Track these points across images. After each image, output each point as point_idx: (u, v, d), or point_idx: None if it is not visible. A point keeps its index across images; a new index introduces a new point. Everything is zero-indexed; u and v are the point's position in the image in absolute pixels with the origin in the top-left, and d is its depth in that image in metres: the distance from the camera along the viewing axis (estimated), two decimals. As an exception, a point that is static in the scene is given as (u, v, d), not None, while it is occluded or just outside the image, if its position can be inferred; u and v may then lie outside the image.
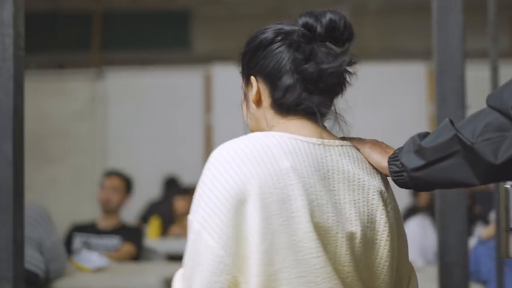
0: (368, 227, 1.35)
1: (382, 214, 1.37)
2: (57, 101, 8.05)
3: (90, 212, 7.20)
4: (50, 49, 8.26)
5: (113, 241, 4.21)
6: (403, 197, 6.48)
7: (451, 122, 1.35)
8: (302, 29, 1.37)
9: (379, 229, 1.36)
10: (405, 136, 1.53)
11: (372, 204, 1.36)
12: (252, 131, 1.43)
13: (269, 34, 1.40)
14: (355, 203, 1.35)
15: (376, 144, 1.44)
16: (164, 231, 5.87)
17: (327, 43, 1.36)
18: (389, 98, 7.50)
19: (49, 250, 3.16)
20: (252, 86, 1.41)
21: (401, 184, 1.39)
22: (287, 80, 1.36)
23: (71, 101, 8.02)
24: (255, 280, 1.24)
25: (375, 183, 1.39)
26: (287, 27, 1.39)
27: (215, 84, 7.76)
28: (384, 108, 7.57)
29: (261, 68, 1.39)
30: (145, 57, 8.07)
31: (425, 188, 1.41)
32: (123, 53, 8.20)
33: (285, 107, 1.39)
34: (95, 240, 4.20)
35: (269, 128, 1.40)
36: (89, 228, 4.35)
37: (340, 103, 1.42)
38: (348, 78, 1.42)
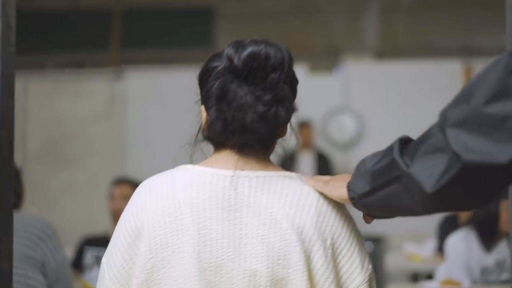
0: (280, 264, 1.28)
1: (298, 251, 1.28)
2: (74, 102, 7.79)
3: (108, 220, 6.92)
4: (68, 48, 7.98)
5: None
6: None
7: (400, 141, 1.26)
8: (226, 61, 1.35)
9: (294, 267, 1.27)
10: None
11: (286, 240, 1.28)
12: None
13: (208, 63, 1.39)
14: (263, 238, 1.28)
15: (336, 178, 1.36)
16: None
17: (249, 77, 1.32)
18: (422, 98, 7.08)
19: (54, 271, 2.80)
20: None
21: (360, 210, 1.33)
22: (212, 114, 1.37)
23: (89, 102, 7.76)
24: None
25: (298, 218, 1.30)
26: (219, 59, 1.37)
27: None
28: (417, 108, 7.12)
29: (202, 98, 1.43)
30: (167, 56, 7.75)
31: (380, 215, 1.32)
32: (143, 52, 7.89)
33: (211, 141, 1.42)
34: None
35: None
36: (102, 241, 3.91)
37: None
38: (283, 111, 1.35)
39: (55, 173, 7.68)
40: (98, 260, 3.81)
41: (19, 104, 7.62)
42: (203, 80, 1.41)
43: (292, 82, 1.39)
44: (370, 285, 1.36)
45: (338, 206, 1.35)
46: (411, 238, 5.36)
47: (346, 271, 1.34)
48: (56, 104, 7.75)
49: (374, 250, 6.49)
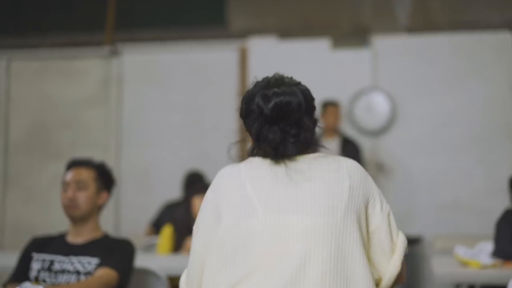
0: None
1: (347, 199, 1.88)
2: (63, 84, 7.00)
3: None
4: (63, 29, 7.10)
5: (88, 263, 2.84)
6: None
7: None
8: (257, 109, 1.90)
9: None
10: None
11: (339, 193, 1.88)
12: None
13: (247, 104, 1.92)
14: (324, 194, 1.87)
15: None
16: (178, 244, 4.32)
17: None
18: (463, 76, 6.27)
19: None
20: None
21: None
22: (254, 145, 1.93)
23: (80, 84, 6.98)
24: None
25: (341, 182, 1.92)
26: (252, 103, 1.92)
27: (252, 61, 6.58)
28: (458, 88, 6.30)
29: (245, 125, 1.95)
30: (170, 35, 6.89)
31: None
32: (142, 31, 7.02)
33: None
34: (60, 263, 2.85)
35: None
36: (55, 246, 2.92)
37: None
38: (308, 136, 1.90)
39: (42, 165, 6.93)
40: (47, 272, 2.83)
41: (0, 87, 6.96)
42: (245, 115, 1.92)
43: (310, 110, 1.94)
44: (388, 217, 1.90)
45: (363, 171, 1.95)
46: (459, 240, 4.47)
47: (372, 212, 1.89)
48: (43, 88, 7.00)
49: (411, 253, 5.63)
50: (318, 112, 1.93)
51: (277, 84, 1.88)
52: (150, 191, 6.54)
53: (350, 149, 5.94)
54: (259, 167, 1.83)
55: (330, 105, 5.97)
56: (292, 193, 1.77)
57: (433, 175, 6.19)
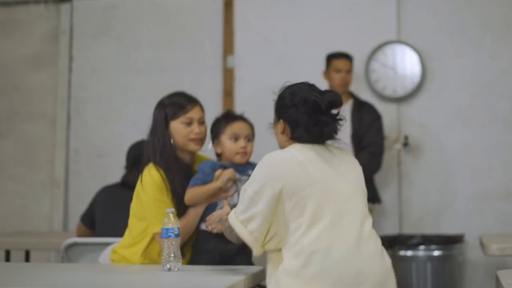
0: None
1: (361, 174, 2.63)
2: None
3: (45, 206, 5.63)
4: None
5: None
6: None
7: None
8: (312, 102, 2.47)
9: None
10: None
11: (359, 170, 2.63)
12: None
13: (294, 100, 2.49)
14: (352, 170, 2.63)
15: None
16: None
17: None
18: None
19: None
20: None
21: None
22: (298, 128, 2.48)
23: (20, 40, 5.85)
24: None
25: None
26: (305, 95, 2.49)
27: (239, 8, 5.48)
28: (503, 43, 5.15)
29: (283, 115, 2.52)
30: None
31: None
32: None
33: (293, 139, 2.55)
34: None
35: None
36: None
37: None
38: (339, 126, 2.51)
39: (-27, 143, 5.84)
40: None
41: None
42: (290, 105, 2.50)
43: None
44: None
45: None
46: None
47: None
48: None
49: (448, 256, 4.49)
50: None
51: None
52: (107, 175, 5.38)
53: (367, 114, 4.76)
54: (307, 150, 2.45)
55: (336, 58, 4.83)
56: (337, 167, 2.47)
57: (474, 154, 5.10)
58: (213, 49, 5.49)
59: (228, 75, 5.41)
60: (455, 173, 5.10)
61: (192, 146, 2.97)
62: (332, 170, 2.42)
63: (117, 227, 3.20)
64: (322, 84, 4.89)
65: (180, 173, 2.92)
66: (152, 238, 2.87)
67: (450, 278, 4.68)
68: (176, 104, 2.97)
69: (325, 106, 2.42)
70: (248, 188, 2.40)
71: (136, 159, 3.63)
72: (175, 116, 2.94)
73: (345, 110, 4.60)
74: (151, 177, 2.86)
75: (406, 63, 5.19)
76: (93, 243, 3.53)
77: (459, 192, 5.10)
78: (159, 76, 5.55)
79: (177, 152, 2.96)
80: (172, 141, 2.94)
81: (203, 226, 2.84)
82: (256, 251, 2.42)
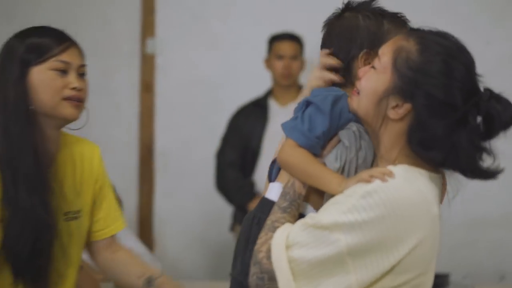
0: None
1: None
2: None
3: None
4: None
5: None
6: None
7: None
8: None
9: None
10: None
11: None
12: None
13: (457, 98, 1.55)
14: None
15: None
16: None
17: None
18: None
19: None
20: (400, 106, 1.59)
21: None
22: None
23: None
24: None
25: None
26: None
27: None
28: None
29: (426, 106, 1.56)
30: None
31: None
32: None
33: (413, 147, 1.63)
34: None
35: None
36: None
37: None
38: None
39: None
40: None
41: None
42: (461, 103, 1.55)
43: None
44: None
45: None
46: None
47: None
48: None
49: None
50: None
51: None
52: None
53: None
54: (436, 189, 1.60)
55: (278, 41, 4.27)
56: None
57: None
58: (129, 30, 4.95)
59: (148, 63, 4.89)
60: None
61: (67, 110, 2.02)
62: None
63: None
64: (265, 75, 4.13)
65: (33, 167, 1.96)
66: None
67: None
68: (40, 43, 2.05)
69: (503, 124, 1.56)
70: (339, 234, 1.48)
71: None
72: (39, 59, 2.00)
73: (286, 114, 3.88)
74: None
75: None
76: None
77: (444, 219, 4.20)
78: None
79: (38, 125, 2.00)
80: (30, 103, 1.97)
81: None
82: None
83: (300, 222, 1.50)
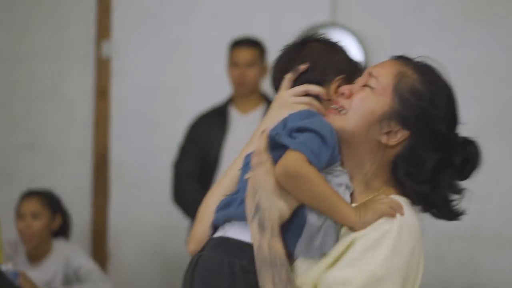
0: None
1: None
2: None
3: None
4: None
5: None
6: None
7: None
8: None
9: None
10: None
11: None
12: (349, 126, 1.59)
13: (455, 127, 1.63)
14: None
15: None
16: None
17: None
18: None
19: None
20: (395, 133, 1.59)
21: None
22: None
23: None
24: None
25: None
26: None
27: None
28: (485, 24, 4.54)
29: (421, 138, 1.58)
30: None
31: None
32: None
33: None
34: None
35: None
36: None
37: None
38: None
39: None
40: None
41: None
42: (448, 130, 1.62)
43: None
44: None
45: None
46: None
47: None
48: None
49: None
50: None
51: None
52: None
53: None
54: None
55: (234, 47, 4.20)
56: None
57: None
58: (83, 32, 4.88)
59: (103, 67, 4.84)
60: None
61: None
62: None
63: None
64: (227, 81, 4.06)
65: None
66: None
67: None
68: None
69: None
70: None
71: None
72: None
73: (256, 119, 3.95)
74: None
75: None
76: None
77: None
78: (10, 67, 4.86)
79: None
80: None
81: None
82: None
83: None
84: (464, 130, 4.20)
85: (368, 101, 1.54)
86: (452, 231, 4.35)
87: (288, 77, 1.66)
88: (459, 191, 1.59)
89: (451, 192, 1.58)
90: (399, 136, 1.54)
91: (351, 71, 1.68)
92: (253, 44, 4.19)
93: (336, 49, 1.72)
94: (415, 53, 4.30)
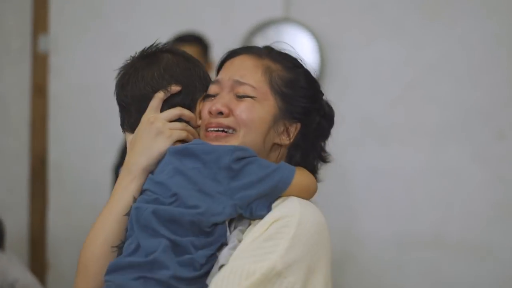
0: None
1: None
2: None
3: None
4: None
5: None
6: None
7: None
8: None
9: None
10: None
11: None
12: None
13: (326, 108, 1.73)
14: None
15: None
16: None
17: None
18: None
19: None
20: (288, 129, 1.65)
21: None
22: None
23: None
24: None
25: None
26: None
27: None
28: (447, 21, 4.35)
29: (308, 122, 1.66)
30: None
31: None
32: None
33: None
34: None
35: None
36: None
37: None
38: None
39: None
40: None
41: None
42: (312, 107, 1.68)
43: None
44: None
45: None
46: None
47: None
48: None
49: None
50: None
51: None
52: None
53: None
54: None
55: (176, 44, 3.93)
56: None
57: (392, 182, 4.43)
58: (18, 25, 4.72)
59: (40, 63, 4.72)
60: (363, 210, 4.42)
61: None
62: None
63: None
64: None
65: None
66: None
67: None
68: None
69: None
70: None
71: None
72: None
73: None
74: None
75: (297, 50, 4.10)
76: None
77: (369, 237, 4.41)
78: None
79: None
80: None
81: None
82: None
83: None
84: (423, 132, 4.11)
85: (255, 111, 1.54)
86: (413, 238, 4.33)
87: (160, 97, 1.59)
88: (324, 150, 1.68)
89: (321, 153, 1.67)
90: (293, 130, 1.61)
91: (208, 85, 1.62)
92: (195, 40, 4.04)
93: (193, 62, 1.65)
94: (373, 53, 4.18)
